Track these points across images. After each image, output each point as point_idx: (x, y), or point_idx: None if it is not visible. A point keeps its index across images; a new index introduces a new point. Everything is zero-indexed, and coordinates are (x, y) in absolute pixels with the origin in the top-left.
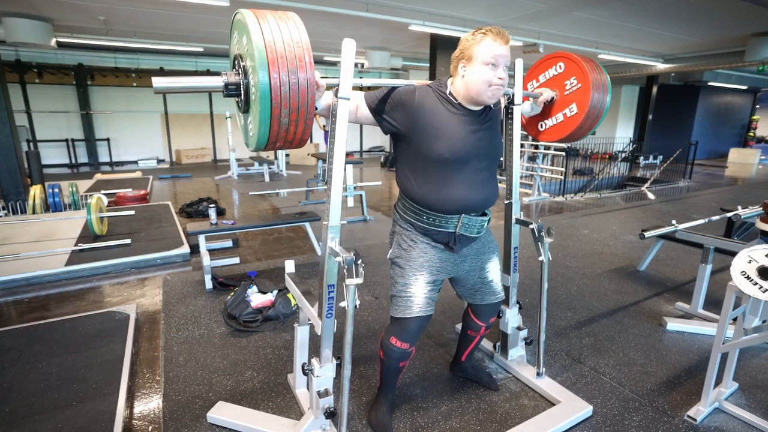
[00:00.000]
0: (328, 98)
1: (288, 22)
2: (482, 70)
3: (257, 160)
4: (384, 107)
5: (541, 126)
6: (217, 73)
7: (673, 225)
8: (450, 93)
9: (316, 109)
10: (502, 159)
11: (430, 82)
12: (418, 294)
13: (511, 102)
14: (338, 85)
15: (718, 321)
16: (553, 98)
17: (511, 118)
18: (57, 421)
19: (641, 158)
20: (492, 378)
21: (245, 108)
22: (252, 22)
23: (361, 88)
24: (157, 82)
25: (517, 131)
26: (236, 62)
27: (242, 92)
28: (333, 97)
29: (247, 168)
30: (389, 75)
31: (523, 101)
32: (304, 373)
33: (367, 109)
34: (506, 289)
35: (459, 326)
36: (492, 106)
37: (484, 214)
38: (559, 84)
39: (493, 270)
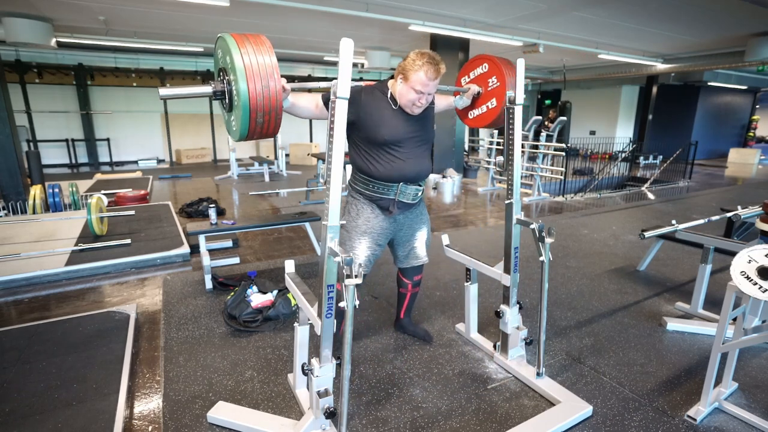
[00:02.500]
0: (294, 98)
1: (261, 45)
2: (411, 92)
3: (257, 160)
4: None
5: (470, 115)
6: (212, 77)
7: (673, 225)
8: (391, 96)
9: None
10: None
11: (375, 83)
12: (359, 255)
13: (512, 102)
14: (336, 85)
15: (718, 321)
16: (479, 92)
17: (512, 119)
18: (57, 421)
19: (641, 158)
20: (427, 333)
21: (229, 108)
22: (234, 47)
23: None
24: (163, 92)
25: (518, 131)
26: (221, 73)
27: (227, 97)
28: (319, 101)
29: (247, 168)
30: (389, 75)
31: (455, 95)
32: (304, 373)
33: (324, 106)
34: (506, 288)
35: (459, 326)
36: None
37: (419, 185)
38: (484, 81)
39: (421, 238)
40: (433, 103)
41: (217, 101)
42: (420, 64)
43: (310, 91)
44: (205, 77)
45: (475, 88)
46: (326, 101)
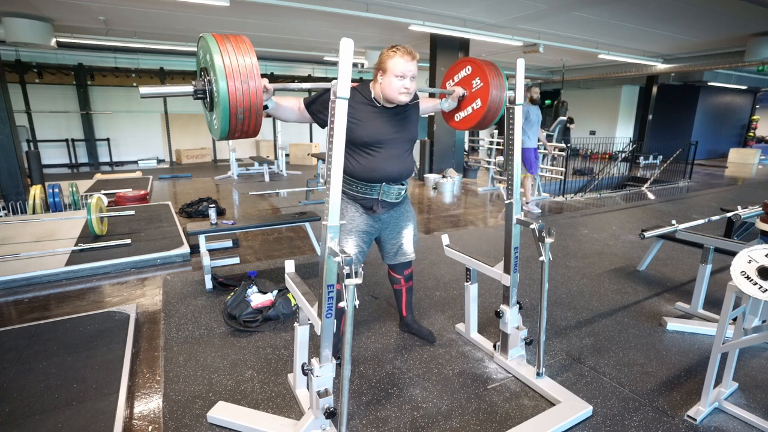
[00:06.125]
0: (278, 100)
1: (241, 44)
2: (393, 80)
3: (257, 160)
4: (319, 107)
5: (457, 117)
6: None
7: (673, 225)
8: (374, 97)
9: (267, 107)
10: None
11: (356, 85)
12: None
13: (512, 102)
14: (336, 84)
15: (718, 321)
16: (464, 95)
17: (512, 119)
18: (57, 421)
19: (641, 158)
20: (431, 333)
21: (210, 107)
22: (214, 46)
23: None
24: (143, 90)
25: (518, 131)
26: (202, 73)
27: (208, 96)
28: (301, 103)
29: (247, 168)
30: None
31: (441, 98)
32: (304, 373)
33: (305, 108)
34: (506, 289)
35: (459, 326)
36: (409, 103)
37: (402, 184)
38: (468, 83)
39: (407, 235)
40: (417, 98)
41: (199, 101)
42: (393, 51)
43: (297, 87)
44: None
45: (459, 90)
46: (309, 104)
